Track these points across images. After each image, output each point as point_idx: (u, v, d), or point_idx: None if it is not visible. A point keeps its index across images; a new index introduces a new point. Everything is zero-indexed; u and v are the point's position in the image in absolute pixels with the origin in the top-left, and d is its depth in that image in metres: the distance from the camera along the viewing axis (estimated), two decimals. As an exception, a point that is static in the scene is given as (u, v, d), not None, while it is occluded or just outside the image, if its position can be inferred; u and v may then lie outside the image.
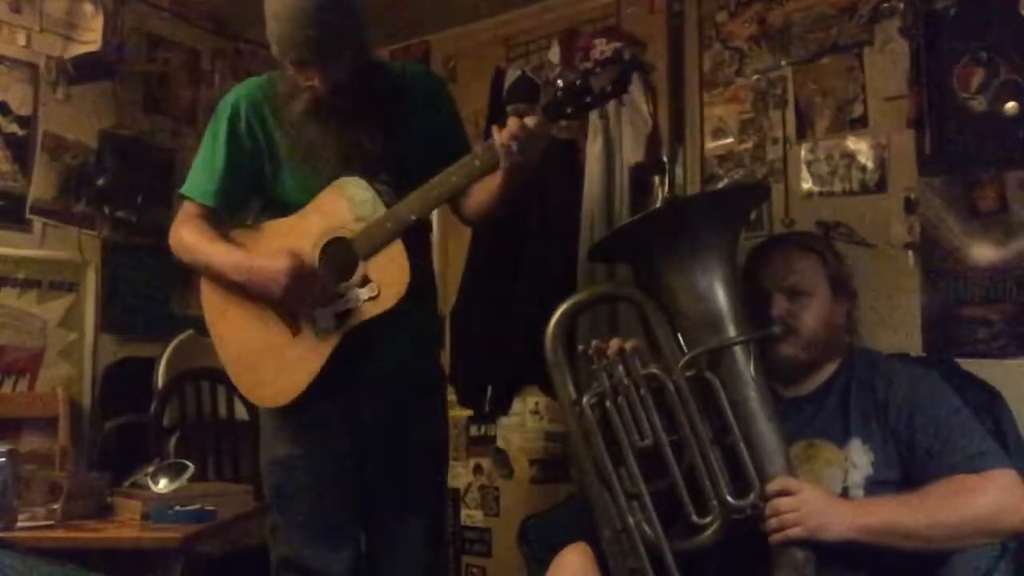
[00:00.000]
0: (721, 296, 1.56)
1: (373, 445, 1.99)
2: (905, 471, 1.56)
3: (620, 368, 1.54)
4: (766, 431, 1.51)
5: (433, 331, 2.17)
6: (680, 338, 1.57)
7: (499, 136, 1.71)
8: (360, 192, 1.85)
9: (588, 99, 1.67)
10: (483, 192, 1.91)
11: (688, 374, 1.52)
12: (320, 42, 1.75)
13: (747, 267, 1.71)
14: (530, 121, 1.69)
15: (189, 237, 1.97)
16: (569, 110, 1.69)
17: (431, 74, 2.23)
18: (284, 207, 1.96)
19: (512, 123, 1.69)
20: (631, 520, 1.50)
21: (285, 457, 1.99)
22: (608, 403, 1.54)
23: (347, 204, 1.85)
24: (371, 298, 1.82)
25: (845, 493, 1.56)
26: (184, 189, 2.03)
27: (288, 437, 1.98)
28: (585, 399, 1.55)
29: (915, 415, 1.57)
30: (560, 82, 1.67)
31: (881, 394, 1.62)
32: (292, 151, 1.91)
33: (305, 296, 1.85)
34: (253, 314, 1.93)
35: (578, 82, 1.67)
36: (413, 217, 1.81)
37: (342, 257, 1.86)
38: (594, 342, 1.59)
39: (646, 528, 1.50)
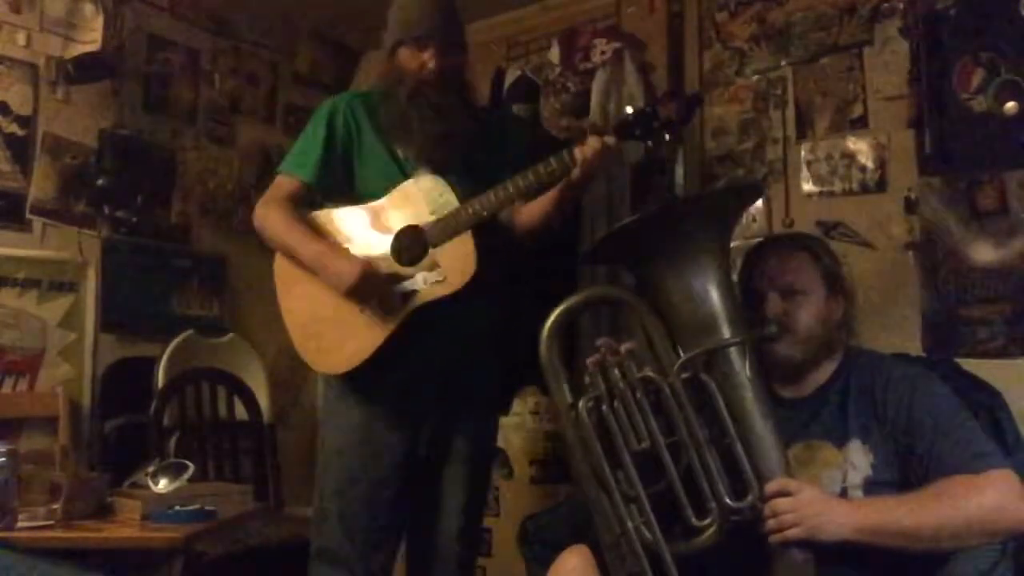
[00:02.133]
0: (715, 297, 1.56)
1: (430, 442, 2.12)
2: (904, 472, 1.56)
3: (616, 371, 1.54)
4: (763, 432, 1.51)
5: (493, 331, 2.19)
6: (676, 340, 1.57)
7: (581, 150, 1.90)
8: (436, 187, 2.01)
9: (655, 124, 1.87)
10: (535, 207, 2.11)
11: (684, 376, 1.52)
12: (445, 22, 2.03)
13: (742, 268, 1.70)
14: (609, 140, 1.90)
15: (277, 215, 2.11)
16: (638, 132, 1.89)
17: (517, 120, 2.44)
18: (361, 197, 2.11)
19: (595, 140, 1.90)
20: (630, 524, 1.50)
21: (351, 447, 2.09)
22: (604, 407, 1.54)
23: (424, 197, 2.02)
24: (437, 282, 1.98)
25: (844, 494, 1.55)
26: (281, 168, 2.19)
27: (356, 425, 2.09)
28: (581, 403, 1.55)
29: (914, 416, 1.56)
30: (631, 108, 1.92)
31: (880, 395, 1.61)
32: (383, 144, 2.09)
33: (370, 296, 2.00)
34: (322, 287, 2.05)
35: (648, 109, 1.89)
36: (485, 213, 1.96)
37: (413, 244, 2.01)
38: (589, 360, 1.58)
39: (645, 531, 1.49)
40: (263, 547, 2.53)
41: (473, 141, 2.07)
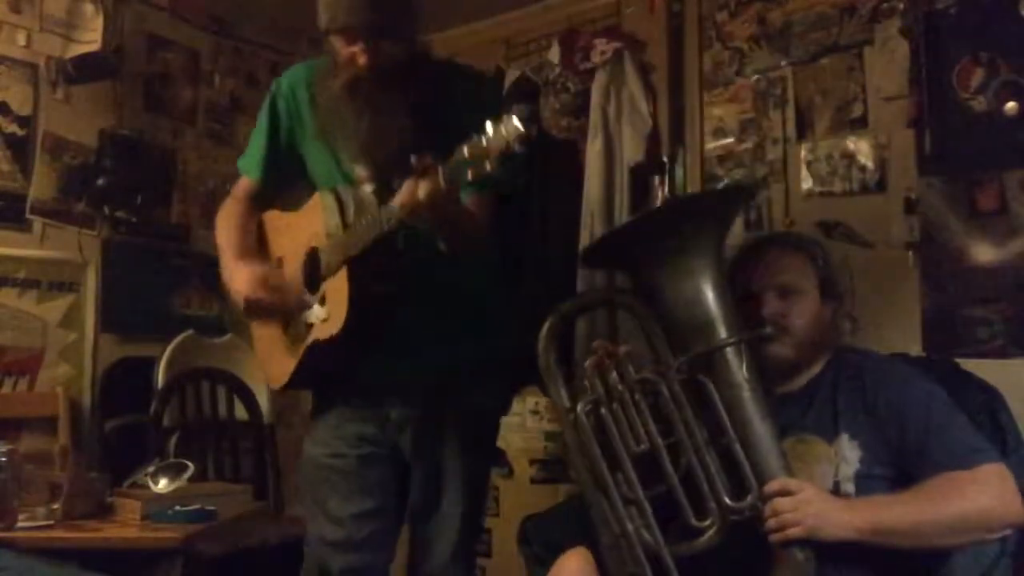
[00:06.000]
0: (711, 298, 1.56)
1: (408, 455, 1.90)
2: (895, 467, 1.57)
3: (613, 374, 1.54)
4: (761, 431, 1.51)
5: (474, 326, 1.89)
6: (673, 342, 1.57)
7: (396, 200, 1.59)
8: (331, 206, 1.76)
9: (487, 166, 1.41)
10: None
11: (682, 377, 1.52)
12: (371, 10, 1.67)
13: (735, 267, 1.70)
14: (423, 189, 1.49)
15: (221, 218, 2.01)
16: (468, 176, 1.44)
17: (479, 73, 2.11)
18: (315, 188, 1.93)
19: (407, 191, 1.54)
20: (630, 526, 1.50)
21: (322, 460, 1.92)
22: (603, 410, 1.54)
23: (322, 216, 1.78)
24: (324, 320, 1.76)
25: (836, 488, 1.56)
26: (240, 162, 2.05)
27: (324, 441, 1.92)
28: (580, 406, 1.55)
29: (905, 413, 1.57)
30: (466, 151, 1.43)
31: (870, 392, 1.62)
32: (318, 132, 1.87)
33: (272, 311, 1.85)
34: None
35: (474, 140, 1.44)
36: (353, 252, 1.69)
37: (313, 269, 1.81)
38: (587, 363, 1.58)
39: (645, 534, 1.49)
40: (263, 547, 2.53)
41: (420, 134, 1.71)
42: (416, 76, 1.77)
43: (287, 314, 1.88)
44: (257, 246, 2.00)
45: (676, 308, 1.57)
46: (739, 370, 1.53)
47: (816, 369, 1.69)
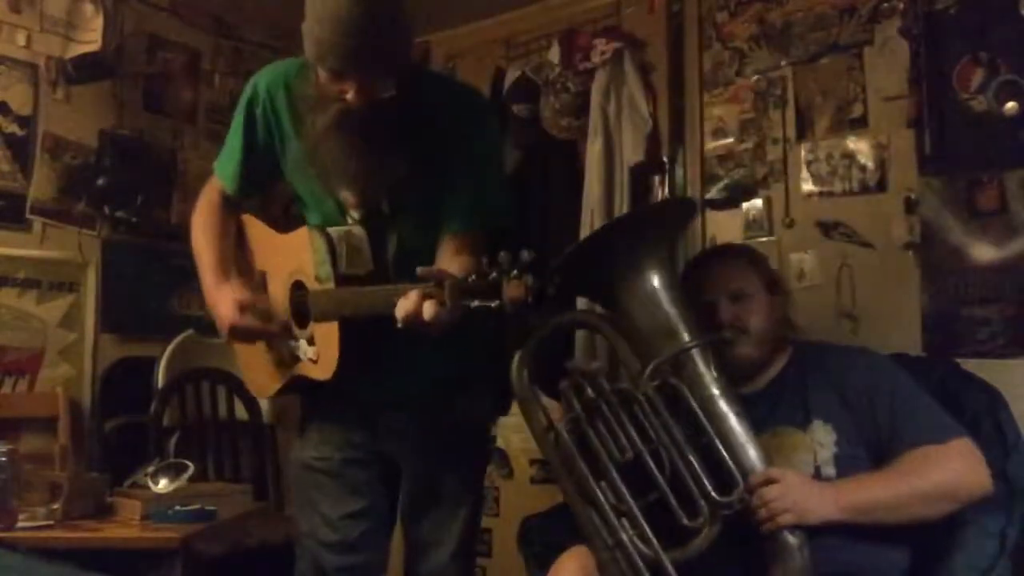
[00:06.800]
0: (670, 306, 1.65)
1: (401, 469, 1.91)
2: (869, 447, 1.62)
3: (588, 390, 1.57)
4: (736, 425, 1.57)
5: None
6: (643, 353, 1.62)
7: (403, 301, 1.46)
8: (321, 252, 1.71)
9: (493, 304, 1.39)
10: None
11: (654, 383, 1.56)
12: (361, 55, 1.56)
13: (684, 282, 1.76)
14: (428, 311, 1.42)
15: (198, 225, 1.92)
16: (475, 304, 1.40)
17: (476, 102, 1.91)
18: (299, 201, 1.91)
19: (412, 306, 1.44)
20: (624, 537, 1.51)
21: (309, 462, 1.92)
22: (584, 425, 1.57)
23: (311, 256, 1.74)
24: (312, 360, 1.76)
25: (817, 473, 1.61)
26: (215, 164, 1.96)
27: (312, 445, 1.93)
28: (560, 425, 1.58)
29: (875, 397, 1.64)
30: (474, 276, 1.40)
31: (838, 379, 1.69)
32: (304, 157, 1.77)
33: (256, 337, 1.84)
34: None
35: (491, 279, 1.40)
36: (346, 313, 1.67)
37: (302, 306, 1.79)
38: (562, 385, 1.62)
39: (640, 543, 1.51)
40: (263, 547, 2.53)
41: (415, 163, 1.69)
42: (408, 100, 1.67)
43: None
44: (236, 249, 1.95)
45: (641, 320, 1.65)
46: (707, 370, 1.61)
47: (779, 365, 1.76)
